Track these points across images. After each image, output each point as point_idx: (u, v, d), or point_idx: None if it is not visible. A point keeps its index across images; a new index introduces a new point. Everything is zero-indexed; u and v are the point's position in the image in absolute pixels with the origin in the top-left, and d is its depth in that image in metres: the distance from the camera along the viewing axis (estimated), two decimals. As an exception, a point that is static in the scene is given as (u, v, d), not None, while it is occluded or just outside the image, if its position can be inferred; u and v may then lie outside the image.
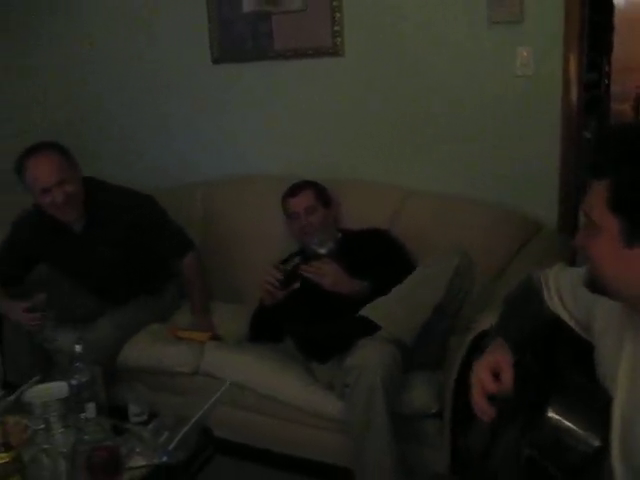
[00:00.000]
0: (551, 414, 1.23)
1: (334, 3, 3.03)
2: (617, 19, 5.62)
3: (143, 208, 2.82)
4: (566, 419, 1.22)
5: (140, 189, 2.94)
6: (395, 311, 2.23)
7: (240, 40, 3.29)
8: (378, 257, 2.59)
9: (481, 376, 1.43)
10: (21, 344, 2.71)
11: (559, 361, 1.37)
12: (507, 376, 1.40)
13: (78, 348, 1.95)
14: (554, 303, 1.48)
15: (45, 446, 1.88)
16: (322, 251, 2.66)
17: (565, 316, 1.46)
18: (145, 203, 2.84)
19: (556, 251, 2.64)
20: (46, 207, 2.63)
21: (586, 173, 1.18)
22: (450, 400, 2.16)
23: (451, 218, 2.80)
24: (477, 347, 1.86)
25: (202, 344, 2.67)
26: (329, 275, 2.44)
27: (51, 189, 2.57)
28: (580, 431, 1.21)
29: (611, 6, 5.55)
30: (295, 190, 2.82)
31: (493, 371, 1.42)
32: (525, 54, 2.78)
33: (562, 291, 1.48)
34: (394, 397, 2.17)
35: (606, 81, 5.81)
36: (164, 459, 1.78)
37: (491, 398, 1.41)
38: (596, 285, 1.21)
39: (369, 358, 2.13)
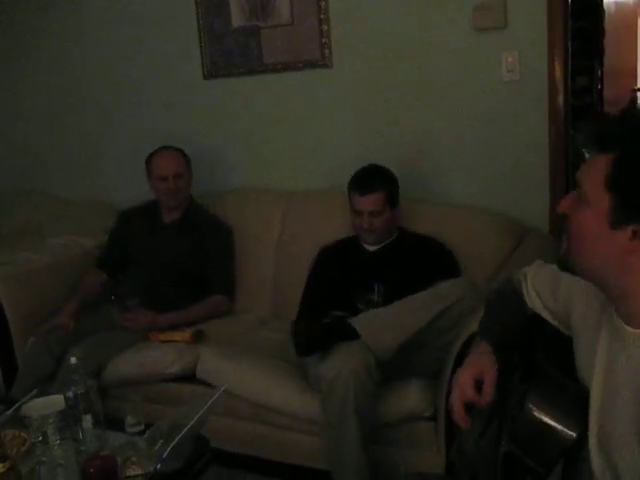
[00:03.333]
0: (529, 408, 1.25)
1: (321, 16, 3.08)
2: (608, 23, 5.65)
3: (221, 233, 3.17)
4: (544, 412, 1.24)
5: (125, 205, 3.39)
6: (378, 326, 2.26)
7: (230, 55, 3.35)
8: (431, 268, 2.55)
9: (463, 383, 1.42)
10: (40, 361, 2.79)
11: (537, 357, 1.38)
12: (488, 390, 1.39)
13: (73, 360, 1.98)
14: (533, 301, 1.49)
15: (43, 458, 1.91)
16: None
17: (544, 313, 1.47)
18: (225, 231, 3.19)
19: (548, 253, 2.64)
20: (160, 192, 3.11)
21: (588, 144, 1.14)
22: (444, 402, 2.18)
23: (445, 223, 2.82)
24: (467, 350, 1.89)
25: (186, 343, 2.75)
26: None
27: (168, 178, 3.05)
28: (557, 423, 1.22)
29: (601, 11, 5.59)
30: (365, 189, 2.62)
31: (475, 379, 1.41)
32: (510, 59, 2.82)
33: (540, 288, 1.48)
34: (368, 406, 2.20)
35: (599, 85, 5.83)
36: (159, 467, 1.79)
37: (469, 406, 1.41)
38: (567, 262, 1.19)
39: (343, 368, 2.17)
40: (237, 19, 3.28)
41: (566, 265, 1.21)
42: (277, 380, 2.48)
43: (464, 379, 1.42)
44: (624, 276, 1.11)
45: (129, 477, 1.81)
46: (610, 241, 1.09)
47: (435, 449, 2.30)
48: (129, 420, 2.07)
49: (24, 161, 4.16)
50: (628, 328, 1.14)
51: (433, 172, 3.06)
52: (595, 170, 1.10)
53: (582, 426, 1.21)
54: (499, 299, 1.60)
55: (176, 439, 1.81)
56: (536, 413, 1.24)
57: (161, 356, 2.74)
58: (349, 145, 3.20)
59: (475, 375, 1.41)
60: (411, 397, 2.29)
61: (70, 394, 1.96)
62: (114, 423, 2.09)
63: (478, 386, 1.41)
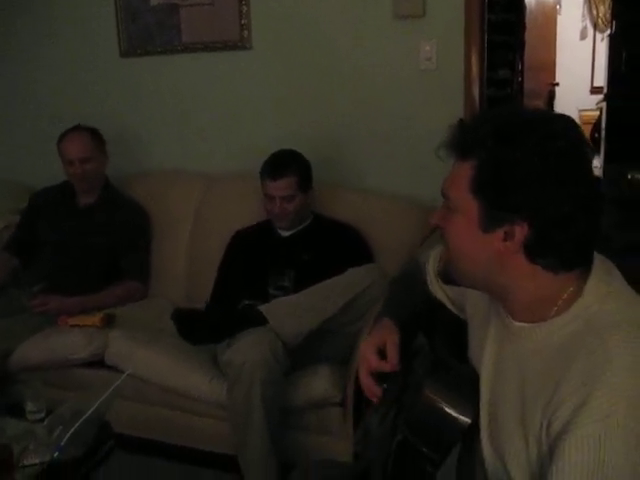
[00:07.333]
0: (425, 393, 1.25)
1: (241, -4, 3.03)
2: (529, 19, 5.78)
3: (137, 218, 3.09)
4: (439, 398, 1.23)
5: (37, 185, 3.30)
6: (286, 313, 2.26)
7: (148, 33, 3.27)
8: (344, 254, 2.54)
9: (366, 354, 1.39)
10: None
11: (435, 342, 1.39)
12: (392, 354, 1.36)
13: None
14: (433, 285, 1.49)
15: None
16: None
17: (443, 298, 1.47)
18: (141, 216, 3.12)
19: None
20: (69, 176, 3.02)
21: (450, 153, 1.13)
22: (352, 388, 2.20)
23: (360, 210, 2.83)
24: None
25: (97, 328, 2.67)
26: None
27: (74, 162, 2.95)
28: (452, 409, 1.23)
29: (522, 6, 5.72)
30: (277, 174, 2.58)
31: (378, 349, 1.38)
32: (428, 48, 2.85)
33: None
34: (275, 392, 2.20)
35: (519, 78, 5.97)
36: (56, 455, 1.74)
37: (380, 378, 1.37)
38: (448, 273, 1.20)
39: (250, 355, 2.16)
40: (156, -4, 3.20)
41: (448, 277, 1.21)
42: (186, 365, 2.44)
43: (368, 353, 1.39)
44: (503, 275, 1.12)
45: (25, 467, 1.76)
46: (485, 245, 1.10)
47: (345, 435, 2.31)
48: (30, 407, 2.00)
49: None
50: (514, 322, 1.16)
51: (349, 158, 3.06)
52: (459, 178, 1.10)
53: (476, 412, 1.23)
54: (404, 281, 1.59)
55: (75, 425, 1.76)
56: (431, 399, 1.24)
57: (70, 341, 2.65)
58: (266, 128, 3.17)
59: (378, 344, 1.39)
60: (320, 383, 2.29)
61: (-34, 382, 1.88)
62: (15, 410, 2.02)
63: (383, 356, 1.37)
